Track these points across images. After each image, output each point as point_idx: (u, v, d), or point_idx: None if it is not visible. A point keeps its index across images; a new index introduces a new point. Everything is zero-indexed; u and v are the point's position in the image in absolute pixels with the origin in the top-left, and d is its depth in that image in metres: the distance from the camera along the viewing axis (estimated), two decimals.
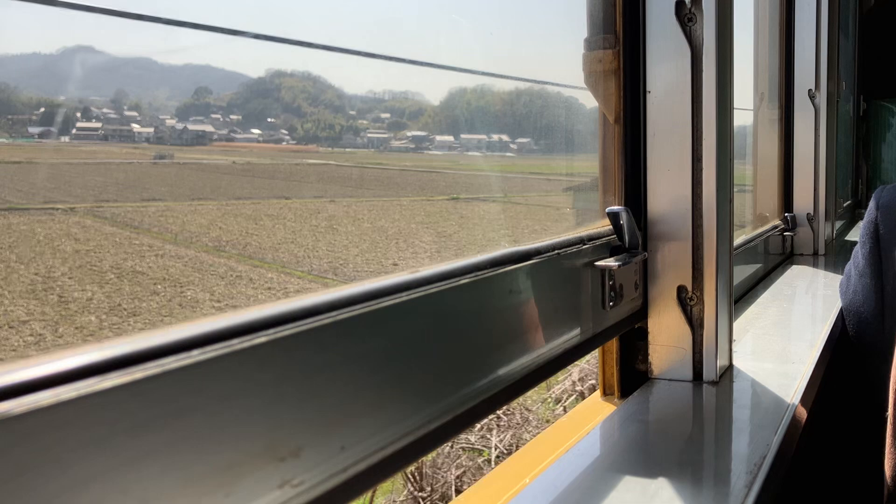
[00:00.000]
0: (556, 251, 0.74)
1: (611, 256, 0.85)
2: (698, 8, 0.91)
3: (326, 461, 0.44)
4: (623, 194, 0.93)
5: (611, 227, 0.88)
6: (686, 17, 0.92)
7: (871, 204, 1.30)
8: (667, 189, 0.93)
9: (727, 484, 0.71)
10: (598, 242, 0.84)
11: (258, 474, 0.40)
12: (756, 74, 2.06)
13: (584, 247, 0.80)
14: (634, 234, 0.89)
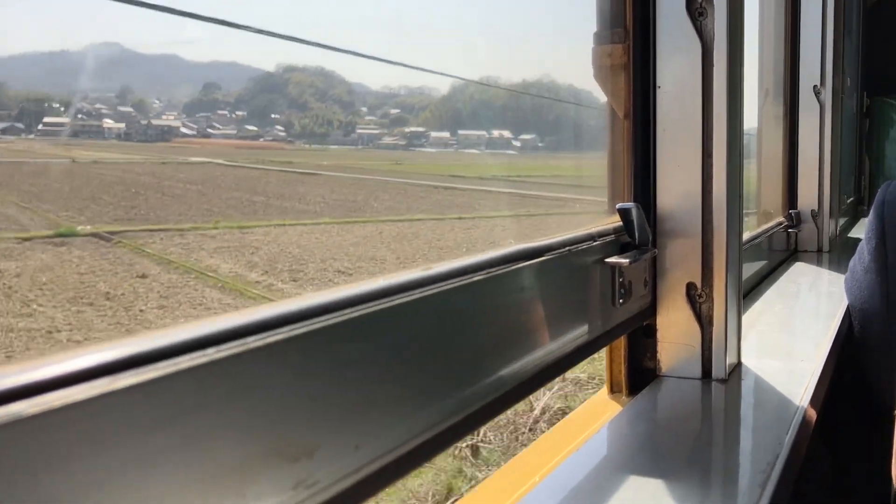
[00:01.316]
0: (567, 248, 0.73)
1: (621, 253, 0.85)
2: (709, 2, 0.90)
3: (341, 461, 0.43)
4: (633, 190, 0.92)
5: (620, 223, 0.87)
6: (697, 11, 0.90)
7: (877, 200, 1.29)
8: (677, 185, 0.92)
9: (738, 483, 0.71)
10: (607, 239, 0.83)
11: (272, 474, 0.40)
12: (760, 70, 2.04)
13: (595, 243, 0.80)
14: (645, 230, 0.88)
